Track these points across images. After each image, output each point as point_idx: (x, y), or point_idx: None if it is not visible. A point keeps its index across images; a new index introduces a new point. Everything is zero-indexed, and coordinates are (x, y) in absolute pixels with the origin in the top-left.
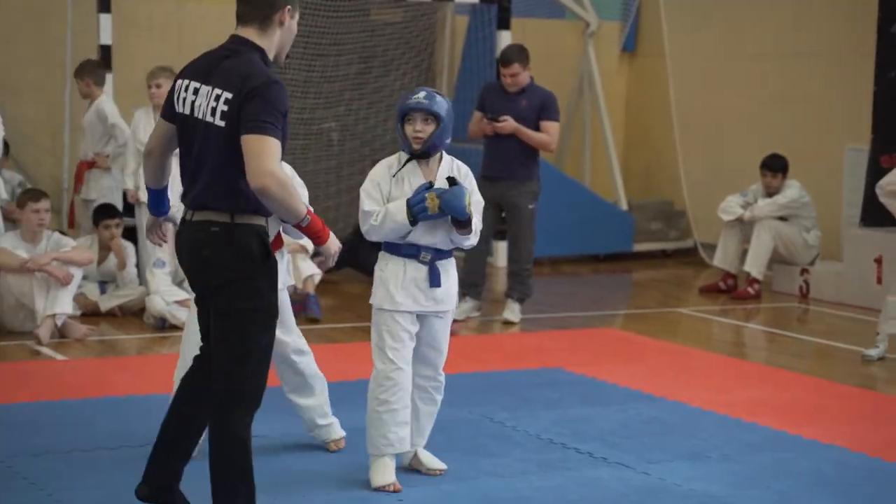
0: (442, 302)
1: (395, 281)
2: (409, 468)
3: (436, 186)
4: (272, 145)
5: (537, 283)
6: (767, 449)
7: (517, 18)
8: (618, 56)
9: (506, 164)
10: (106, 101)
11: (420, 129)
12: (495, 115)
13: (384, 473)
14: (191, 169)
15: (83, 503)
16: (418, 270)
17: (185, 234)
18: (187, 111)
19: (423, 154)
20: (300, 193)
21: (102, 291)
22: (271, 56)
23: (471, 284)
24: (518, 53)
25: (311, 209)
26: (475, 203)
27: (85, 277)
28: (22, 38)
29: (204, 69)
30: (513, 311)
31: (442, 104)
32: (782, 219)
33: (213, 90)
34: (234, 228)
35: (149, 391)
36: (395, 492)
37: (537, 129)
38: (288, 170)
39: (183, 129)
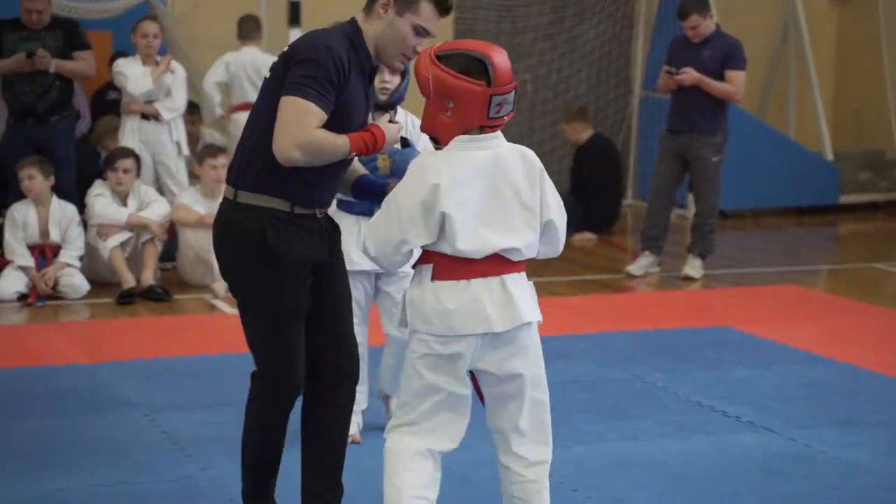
0: None
1: (349, 240)
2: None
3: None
4: (304, 110)
5: (734, 236)
6: None
7: None
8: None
9: (688, 117)
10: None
11: (388, 80)
12: (678, 68)
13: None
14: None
15: (213, 461)
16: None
17: None
18: None
19: (388, 105)
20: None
21: None
22: (369, 46)
23: (650, 238)
24: (694, 4)
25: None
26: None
27: None
28: None
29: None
30: (694, 267)
31: None
32: None
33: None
34: (236, 208)
35: None
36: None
37: (722, 79)
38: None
39: None
